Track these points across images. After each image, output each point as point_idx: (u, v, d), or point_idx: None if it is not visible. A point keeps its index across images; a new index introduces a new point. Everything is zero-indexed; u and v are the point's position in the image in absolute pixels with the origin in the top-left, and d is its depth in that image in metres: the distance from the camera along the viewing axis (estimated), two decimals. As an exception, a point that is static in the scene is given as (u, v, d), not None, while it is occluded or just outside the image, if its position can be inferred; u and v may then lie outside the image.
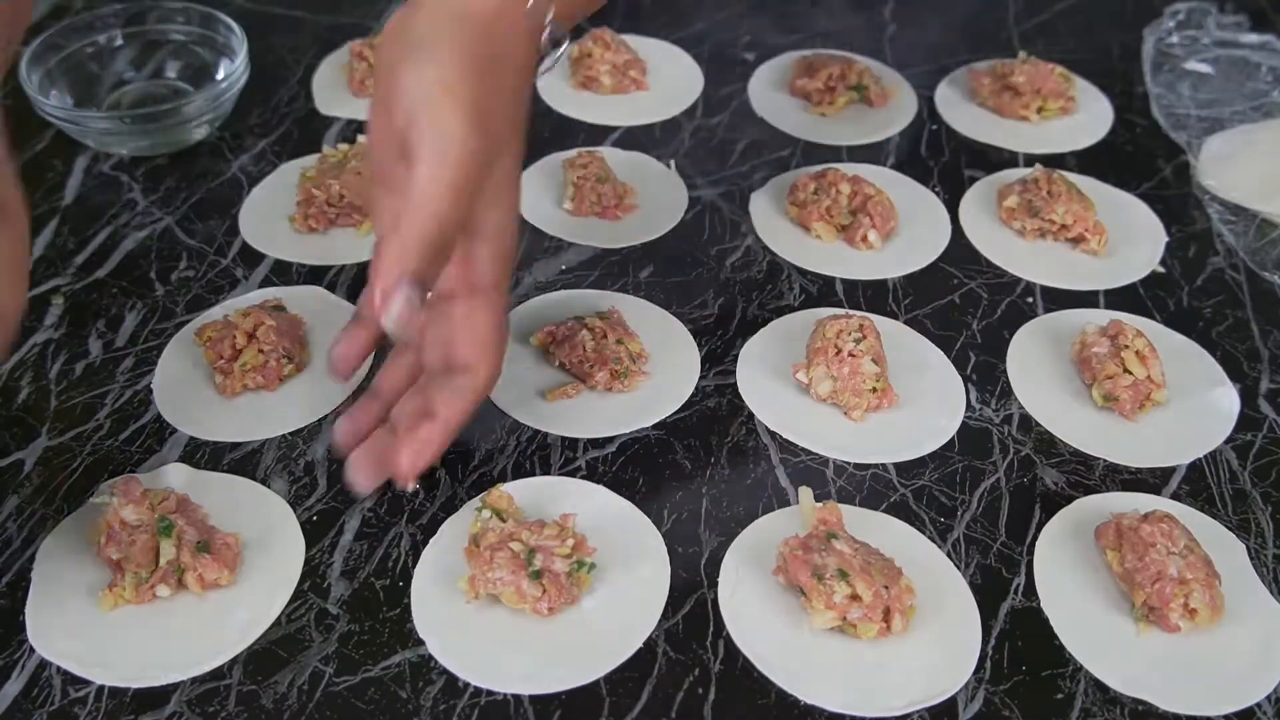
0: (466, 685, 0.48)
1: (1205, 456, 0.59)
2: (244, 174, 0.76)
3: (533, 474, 0.57)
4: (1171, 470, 0.59)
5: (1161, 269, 0.71)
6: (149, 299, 0.66)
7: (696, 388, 0.62)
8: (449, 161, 0.44)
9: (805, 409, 0.60)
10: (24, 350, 0.63)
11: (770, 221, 0.73)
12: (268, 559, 0.52)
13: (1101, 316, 0.65)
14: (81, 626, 0.49)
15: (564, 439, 0.59)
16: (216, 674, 0.48)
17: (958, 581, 0.52)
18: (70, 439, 0.58)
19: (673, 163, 0.78)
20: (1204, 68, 0.90)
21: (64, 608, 0.50)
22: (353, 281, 0.68)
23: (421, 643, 0.49)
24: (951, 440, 0.59)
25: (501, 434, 0.59)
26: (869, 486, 0.57)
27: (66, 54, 0.79)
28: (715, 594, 0.52)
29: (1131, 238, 0.73)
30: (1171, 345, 0.65)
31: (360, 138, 0.77)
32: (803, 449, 0.59)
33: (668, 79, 0.86)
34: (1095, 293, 0.69)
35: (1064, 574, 0.53)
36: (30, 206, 0.73)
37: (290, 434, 0.58)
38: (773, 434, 0.59)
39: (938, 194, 0.76)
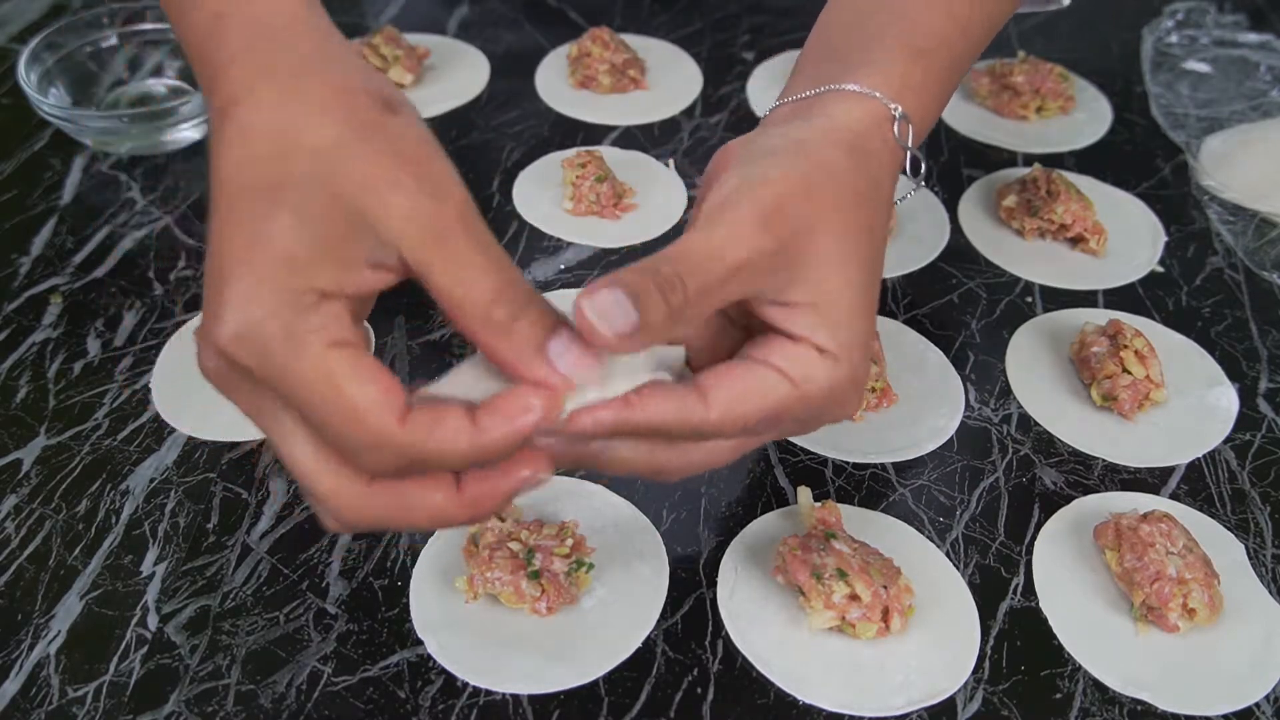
0: (465, 685, 0.48)
1: (1204, 456, 0.59)
2: (243, 173, 0.76)
3: (531, 473, 0.57)
4: (1170, 470, 0.59)
5: (1160, 268, 0.71)
6: (147, 298, 0.66)
7: (695, 387, 0.62)
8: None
9: (804, 408, 0.60)
10: (22, 350, 0.63)
11: (769, 221, 0.73)
12: None
13: (1100, 316, 0.65)
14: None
15: (563, 438, 0.58)
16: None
17: (956, 581, 0.52)
18: (69, 438, 0.58)
19: (671, 162, 0.78)
20: (1203, 67, 0.90)
21: None
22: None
23: (420, 642, 0.49)
24: (950, 440, 0.59)
25: (500, 433, 0.59)
26: (868, 486, 0.57)
27: (65, 53, 0.79)
28: (714, 594, 0.51)
29: (1130, 237, 0.73)
30: (1170, 345, 0.65)
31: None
32: (801, 448, 0.59)
33: (667, 78, 0.86)
34: (1094, 292, 0.69)
35: (1063, 574, 0.53)
36: (27, 206, 0.73)
37: (289, 433, 0.58)
38: (772, 433, 0.59)
39: (936, 193, 0.76)
